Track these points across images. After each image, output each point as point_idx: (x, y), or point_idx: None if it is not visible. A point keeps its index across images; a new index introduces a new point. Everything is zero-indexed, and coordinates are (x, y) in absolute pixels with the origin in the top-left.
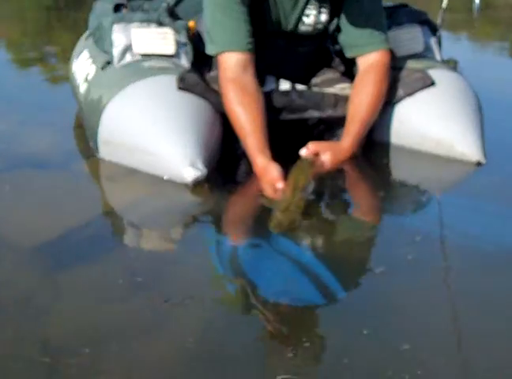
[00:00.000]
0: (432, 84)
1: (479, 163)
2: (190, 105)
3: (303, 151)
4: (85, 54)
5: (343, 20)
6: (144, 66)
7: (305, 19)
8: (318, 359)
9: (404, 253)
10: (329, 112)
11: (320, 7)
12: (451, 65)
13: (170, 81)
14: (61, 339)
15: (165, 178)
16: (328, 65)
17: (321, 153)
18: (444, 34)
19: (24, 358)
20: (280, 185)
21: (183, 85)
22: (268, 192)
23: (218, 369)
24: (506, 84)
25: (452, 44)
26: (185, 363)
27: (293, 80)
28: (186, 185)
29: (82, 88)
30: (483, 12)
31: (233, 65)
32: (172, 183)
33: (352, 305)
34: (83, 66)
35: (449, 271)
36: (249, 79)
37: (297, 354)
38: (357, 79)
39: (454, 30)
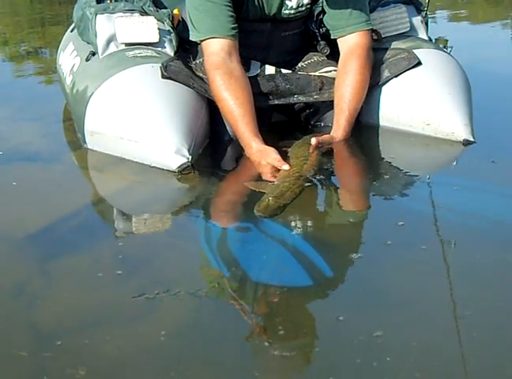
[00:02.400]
0: (418, 63)
1: (467, 142)
2: (175, 93)
3: (313, 141)
4: (70, 46)
5: (325, 3)
6: (129, 56)
7: (288, 2)
8: (299, 343)
9: (390, 235)
10: (314, 96)
11: None
12: (442, 44)
13: (154, 70)
14: (50, 325)
15: (151, 165)
16: (313, 48)
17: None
18: (439, 13)
19: (15, 342)
20: (285, 166)
21: (167, 73)
22: (266, 173)
23: (209, 351)
24: (499, 63)
25: (446, 23)
26: (177, 345)
27: (278, 65)
28: (172, 172)
29: (68, 80)
30: None
31: (218, 51)
32: (159, 171)
33: (333, 290)
34: (68, 59)
35: (443, 248)
36: (234, 64)
37: (281, 336)
38: (340, 64)
39: (450, 9)
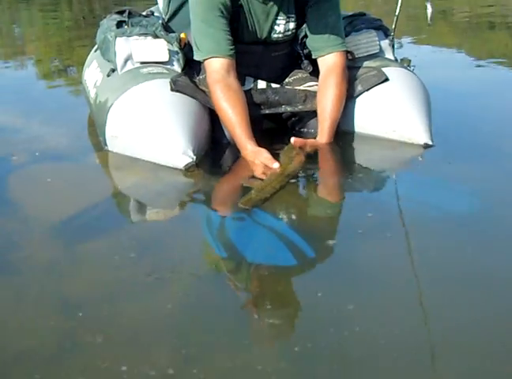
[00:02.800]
0: (386, 79)
1: (427, 145)
2: (182, 103)
3: (292, 140)
4: (94, 64)
5: (307, 27)
6: (143, 72)
7: (276, 28)
8: (283, 314)
9: (367, 224)
10: (299, 107)
11: (288, 17)
12: (406, 63)
13: (164, 84)
14: (74, 298)
15: (162, 164)
16: (298, 66)
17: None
18: (405, 38)
19: (44, 312)
20: (276, 164)
21: (175, 87)
22: (258, 171)
23: (209, 320)
24: (455, 79)
25: (411, 46)
26: (182, 316)
27: (269, 80)
28: (180, 170)
29: (92, 92)
30: (441, 18)
31: (218, 69)
32: (168, 169)
33: (313, 269)
34: (92, 74)
35: (408, 238)
36: (232, 80)
37: (268, 308)
38: (321, 80)
39: (414, 35)
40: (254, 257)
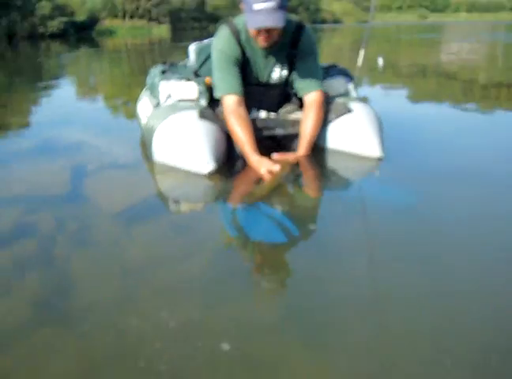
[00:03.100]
0: (350, 111)
1: (380, 159)
2: (206, 128)
3: (275, 155)
4: (145, 99)
5: (295, 73)
6: (179, 106)
7: (273, 74)
8: (278, 279)
9: (337, 213)
10: (289, 130)
11: (282, 66)
12: (364, 99)
13: (194, 114)
14: (130, 264)
15: (191, 171)
16: (288, 101)
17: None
18: (365, 82)
19: (108, 274)
20: (276, 167)
21: (202, 116)
22: (264, 175)
23: (224, 280)
24: (400, 110)
25: (369, 88)
26: (205, 278)
27: (268, 111)
28: (204, 175)
29: (143, 120)
30: (390, 68)
31: (231, 103)
32: (196, 174)
33: (297, 246)
34: (143, 107)
35: (367, 223)
36: (241, 110)
37: (267, 275)
38: (304, 111)
39: (371, 80)
40: (256, 236)
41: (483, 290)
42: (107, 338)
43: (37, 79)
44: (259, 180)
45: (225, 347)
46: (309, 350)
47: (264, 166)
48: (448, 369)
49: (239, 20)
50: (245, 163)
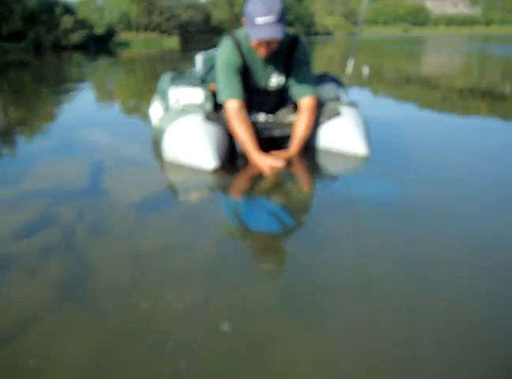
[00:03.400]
0: (339, 114)
1: (366, 157)
2: (210, 129)
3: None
4: (156, 104)
5: (291, 80)
6: (186, 109)
7: (271, 81)
8: (273, 263)
9: (327, 205)
10: (286, 131)
11: (279, 74)
12: (353, 104)
13: (200, 117)
14: (142, 251)
15: (198, 168)
16: (285, 105)
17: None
18: (354, 88)
19: (120, 260)
20: (279, 163)
21: (207, 118)
22: (266, 170)
23: (226, 265)
24: (386, 114)
25: (357, 94)
26: (209, 263)
27: (266, 113)
28: (209, 171)
29: (154, 122)
30: (375, 76)
31: (234, 107)
32: (202, 171)
33: (291, 235)
34: (155, 110)
35: (355, 215)
36: (243, 113)
37: (264, 258)
38: (298, 114)
39: (360, 87)
40: (255, 226)
41: (467, 277)
42: (121, 317)
43: (60, 85)
44: (260, 175)
45: (227, 326)
46: (305, 330)
47: (267, 162)
48: (429, 349)
49: (240, 33)
50: (245, 161)
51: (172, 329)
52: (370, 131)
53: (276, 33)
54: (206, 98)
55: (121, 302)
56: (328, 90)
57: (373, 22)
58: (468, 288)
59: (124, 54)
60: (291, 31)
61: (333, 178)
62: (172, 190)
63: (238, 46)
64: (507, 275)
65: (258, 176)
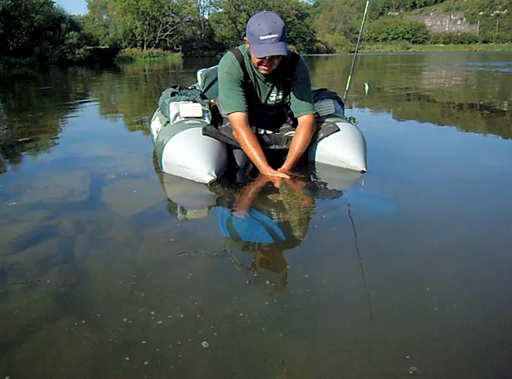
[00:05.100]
0: (338, 130)
1: (363, 171)
2: (208, 143)
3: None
4: (157, 118)
5: (290, 98)
6: (186, 123)
7: (271, 98)
8: (263, 275)
9: (319, 220)
10: (284, 146)
11: (278, 91)
12: (353, 120)
13: (198, 131)
14: (143, 262)
15: (196, 181)
16: (284, 120)
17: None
18: (353, 104)
19: (120, 271)
20: (287, 177)
21: (205, 132)
22: (275, 180)
23: (221, 279)
24: (385, 130)
25: (357, 110)
26: (200, 279)
27: (266, 128)
28: (206, 184)
29: (155, 135)
30: (376, 92)
31: (240, 120)
32: (200, 184)
33: (283, 248)
34: (155, 124)
35: (360, 227)
36: (248, 126)
37: (257, 269)
38: (296, 130)
39: (359, 102)
40: (247, 238)
41: (459, 288)
42: (116, 327)
43: (64, 99)
44: (260, 190)
45: (221, 339)
46: (297, 341)
47: (276, 174)
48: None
49: (242, 49)
50: (244, 174)
51: (167, 341)
52: (368, 146)
53: (280, 50)
54: (205, 112)
55: (116, 314)
56: (326, 105)
57: (373, 39)
58: (464, 302)
59: (128, 69)
60: (292, 48)
61: (331, 191)
62: (170, 203)
63: (241, 60)
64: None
65: (259, 190)
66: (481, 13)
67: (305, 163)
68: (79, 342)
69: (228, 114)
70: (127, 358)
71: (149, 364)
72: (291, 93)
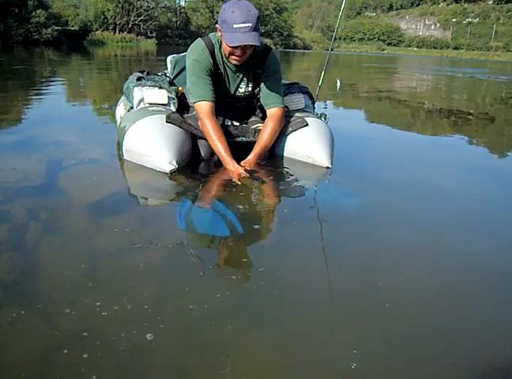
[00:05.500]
0: (306, 125)
1: (328, 168)
2: (172, 131)
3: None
4: (122, 103)
5: (260, 90)
6: (149, 110)
7: (240, 89)
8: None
9: (280, 214)
10: (250, 138)
11: (248, 82)
12: (324, 116)
13: (162, 118)
14: (99, 250)
15: (156, 170)
16: (253, 113)
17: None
18: (326, 101)
19: (77, 258)
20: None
21: (169, 120)
22: (235, 176)
23: (174, 266)
24: (354, 128)
25: (330, 107)
26: (151, 271)
27: (234, 118)
28: (167, 174)
29: (118, 121)
30: (349, 91)
31: (206, 109)
32: (160, 173)
33: (239, 240)
34: (120, 110)
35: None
36: (214, 116)
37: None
38: (265, 123)
39: (331, 100)
40: (205, 230)
41: (425, 284)
42: (57, 318)
43: (30, 82)
44: (227, 181)
45: (167, 330)
46: (247, 334)
47: (239, 170)
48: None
49: (213, 37)
50: (208, 166)
51: (110, 333)
52: (335, 143)
53: (254, 40)
54: (171, 99)
55: (60, 304)
56: (297, 99)
57: (350, 39)
58: (415, 298)
59: (99, 53)
60: (270, 43)
61: (294, 186)
62: (129, 192)
63: (211, 49)
64: (467, 281)
65: (221, 182)
66: (454, 20)
67: (271, 157)
68: (20, 333)
69: (194, 102)
70: (65, 351)
71: (88, 357)
72: (262, 85)
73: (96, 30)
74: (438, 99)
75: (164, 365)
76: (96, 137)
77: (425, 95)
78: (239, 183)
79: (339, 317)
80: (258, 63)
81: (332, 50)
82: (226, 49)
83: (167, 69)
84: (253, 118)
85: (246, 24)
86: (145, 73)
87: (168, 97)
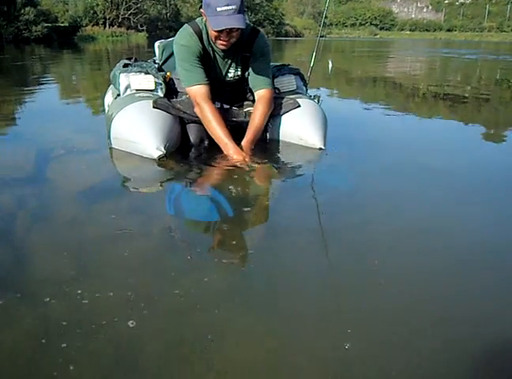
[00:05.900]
0: (298, 106)
1: (321, 149)
2: (159, 116)
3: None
4: (109, 92)
5: (249, 73)
6: (136, 96)
7: (229, 73)
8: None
9: (271, 196)
10: (241, 119)
11: (236, 68)
12: (317, 98)
13: (149, 104)
14: (90, 238)
15: (144, 156)
16: (243, 95)
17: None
18: (317, 82)
19: (63, 248)
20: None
21: (156, 106)
22: (238, 159)
23: (161, 252)
24: (347, 110)
25: (322, 91)
26: (139, 255)
27: (225, 103)
28: (155, 160)
29: (106, 109)
30: (342, 75)
31: (202, 92)
32: (149, 159)
33: (230, 223)
34: (108, 98)
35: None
36: (210, 100)
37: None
38: (255, 106)
39: (323, 82)
40: (194, 215)
41: (413, 267)
42: (36, 307)
43: (21, 78)
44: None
45: (150, 317)
46: (254, 315)
47: (239, 157)
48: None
49: (200, 22)
50: (197, 151)
51: (90, 321)
52: (328, 125)
53: (238, 22)
54: (158, 85)
55: (40, 292)
56: (287, 81)
57: (342, 24)
58: (408, 278)
59: (90, 48)
60: (250, 23)
61: (285, 168)
62: (117, 179)
63: (199, 34)
64: (453, 269)
65: (213, 167)
66: (446, 2)
67: (263, 139)
68: (18, 321)
69: (189, 86)
70: (43, 341)
71: (67, 346)
72: (250, 68)
73: (86, 25)
74: (433, 81)
75: (148, 352)
76: (84, 127)
77: (420, 77)
78: (247, 169)
79: (332, 297)
80: (246, 46)
81: (323, 36)
82: (212, 34)
83: (155, 55)
84: (244, 101)
85: (230, 7)
86: (133, 60)
87: (155, 82)
